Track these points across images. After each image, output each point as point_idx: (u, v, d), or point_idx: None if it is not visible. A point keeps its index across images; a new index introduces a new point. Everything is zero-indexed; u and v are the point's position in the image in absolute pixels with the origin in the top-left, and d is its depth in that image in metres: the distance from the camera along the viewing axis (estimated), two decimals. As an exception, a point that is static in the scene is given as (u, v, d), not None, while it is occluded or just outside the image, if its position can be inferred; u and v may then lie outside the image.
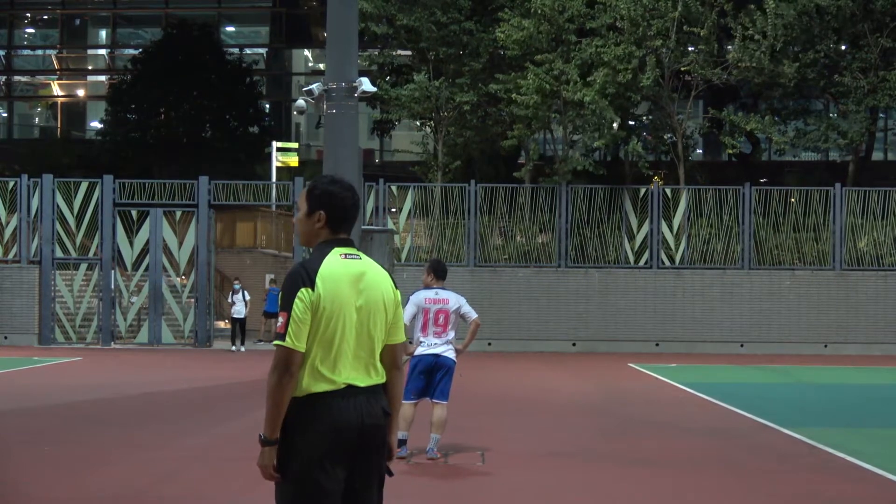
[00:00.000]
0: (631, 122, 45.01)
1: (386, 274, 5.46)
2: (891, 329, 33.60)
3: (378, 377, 5.34)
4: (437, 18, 40.07)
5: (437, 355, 12.64)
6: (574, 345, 33.22)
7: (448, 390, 12.80)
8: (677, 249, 34.87)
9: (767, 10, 38.17)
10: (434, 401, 12.74)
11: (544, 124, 39.27)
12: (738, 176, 41.95)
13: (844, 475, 12.21)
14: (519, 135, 38.25)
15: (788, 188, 36.85)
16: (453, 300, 12.78)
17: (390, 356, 5.44)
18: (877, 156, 55.99)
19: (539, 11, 36.93)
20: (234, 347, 32.60)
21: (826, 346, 33.14)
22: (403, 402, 12.31)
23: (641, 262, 34.80)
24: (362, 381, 5.25)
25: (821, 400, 20.71)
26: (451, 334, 12.73)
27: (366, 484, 5.28)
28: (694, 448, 14.20)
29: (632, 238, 35.03)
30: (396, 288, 5.52)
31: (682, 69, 39.11)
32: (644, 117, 43.73)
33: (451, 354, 12.69)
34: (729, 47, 39.26)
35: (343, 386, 5.18)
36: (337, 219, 5.39)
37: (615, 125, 39.78)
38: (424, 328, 12.66)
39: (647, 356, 30.88)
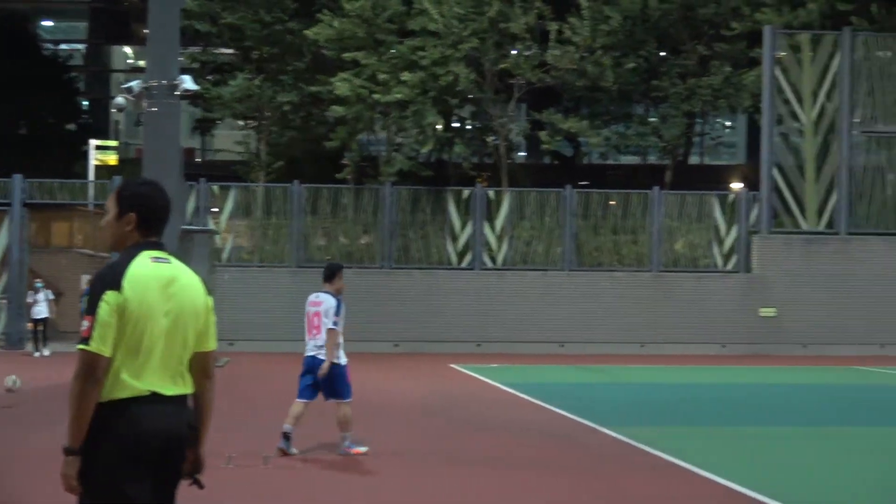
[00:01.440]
0: (455, 125, 45.38)
1: (197, 279, 5.24)
2: (705, 329, 34.52)
3: (185, 387, 5.12)
4: (261, 17, 39.77)
5: (313, 357, 13.11)
6: (397, 345, 33.26)
7: (340, 389, 13.16)
8: (499, 251, 35.24)
9: (584, 14, 38.98)
10: (332, 401, 13.19)
11: (367, 125, 39.34)
12: (560, 178, 42.61)
13: (663, 473, 12.46)
14: (342, 136, 38.25)
15: (608, 191, 37.55)
16: (325, 303, 13.02)
17: (200, 364, 5.20)
18: (694, 160, 57.54)
19: (353, 12, 37.11)
20: (36, 353, 30.57)
21: (643, 345, 33.86)
22: (296, 399, 13.11)
23: (464, 264, 35.06)
24: (168, 390, 5.00)
25: (638, 399, 21.14)
26: (322, 338, 13.03)
27: (168, 495, 5.10)
28: (517, 447, 14.33)
29: (455, 239, 35.27)
30: (210, 294, 5.30)
31: (502, 67, 39.49)
32: (467, 120, 44.12)
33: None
34: (547, 52, 39.85)
35: (147, 393, 4.93)
36: (148, 221, 5.16)
37: (438, 126, 40.11)
38: (307, 330, 13.12)
39: (468, 357, 31.10)
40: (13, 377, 18.61)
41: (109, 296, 4.91)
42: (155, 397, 4.97)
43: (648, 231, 35.64)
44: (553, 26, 39.16)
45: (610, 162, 53.51)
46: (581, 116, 43.32)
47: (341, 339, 13.26)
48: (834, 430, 16.55)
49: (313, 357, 13.12)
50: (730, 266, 35.67)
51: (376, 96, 36.57)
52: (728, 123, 58.83)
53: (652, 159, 53.35)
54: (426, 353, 32.25)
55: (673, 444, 14.32)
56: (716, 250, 35.87)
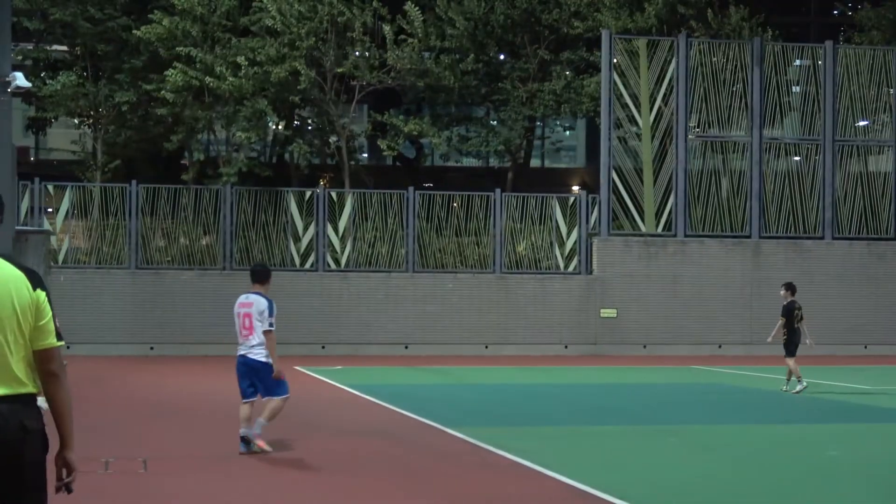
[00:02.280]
0: (296, 124, 45.19)
1: (19, 274, 4.98)
2: (547, 330, 34.98)
3: (14, 387, 4.89)
4: (92, 14, 38.98)
5: (244, 356, 13.40)
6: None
7: (273, 386, 13.48)
8: (342, 252, 35.18)
9: (412, 16, 39.21)
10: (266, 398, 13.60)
11: (205, 125, 38.95)
12: (403, 180, 42.72)
13: (507, 473, 12.57)
14: (183, 137, 37.84)
15: (451, 193, 37.76)
16: (256, 304, 13.25)
17: (39, 363, 5.01)
18: (534, 163, 58.20)
19: (184, 8, 36.77)
20: None
21: (487, 346, 34.15)
22: (242, 402, 13.34)
23: (307, 265, 34.90)
24: None
25: (482, 400, 21.31)
26: (256, 338, 13.21)
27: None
28: (362, 449, 14.31)
29: (298, 241, 35.09)
30: (41, 288, 5.04)
31: (340, 70, 39.44)
32: (309, 120, 43.93)
33: (258, 356, 13.28)
34: (387, 53, 40.00)
35: None
36: None
37: (275, 126, 39.97)
38: (239, 331, 13.43)
39: (313, 359, 30.96)
40: None
41: None
42: None
43: (491, 233, 35.96)
44: (388, 27, 39.21)
45: (452, 164, 53.83)
46: (422, 118, 43.50)
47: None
48: (673, 428, 16.90)
49: (244, 357, 13.37)
50: (571, 268, 36.21)
51: (209, 83, 36.13)
52: (567, 127, 59.66)
53: (493, 162, 53.87)
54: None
55: (517, 443, 14.46)
56: (557, 252, 36.37)
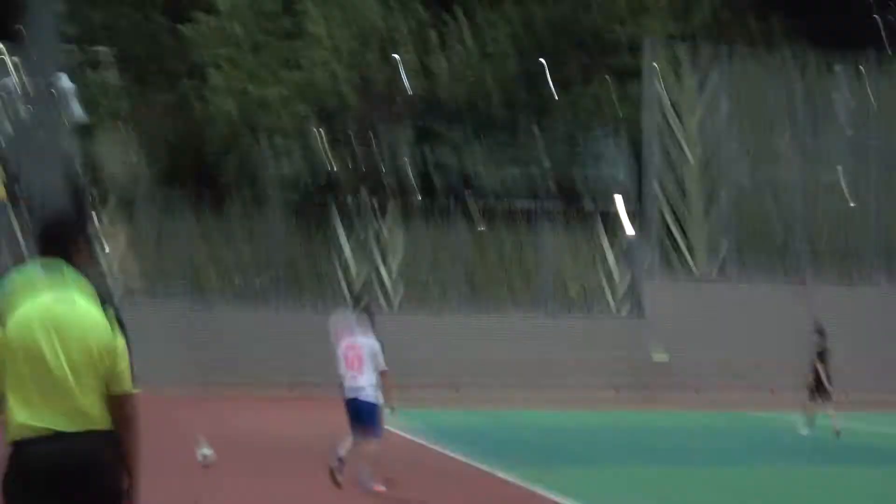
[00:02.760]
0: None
1: (101, 319, 5.19)
2: (599, 371, 34.75)
3: (83, 425, 5.17)
4: (131, 15, 39.13)
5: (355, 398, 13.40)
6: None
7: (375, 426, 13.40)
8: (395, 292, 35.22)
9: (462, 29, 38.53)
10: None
11: (252, 138, 38.91)
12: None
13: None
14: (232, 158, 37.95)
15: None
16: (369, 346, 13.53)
17: (113, 407, 5.25)
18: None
19: (227, 10, 36.85)
20: None
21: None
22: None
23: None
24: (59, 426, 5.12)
25: (528, 441, 21.19)
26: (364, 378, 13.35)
27: None
28: (450, 493, 14.27)
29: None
30: (121, 335, 5.23)
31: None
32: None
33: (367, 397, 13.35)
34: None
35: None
36: None
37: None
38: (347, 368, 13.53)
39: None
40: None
41: None
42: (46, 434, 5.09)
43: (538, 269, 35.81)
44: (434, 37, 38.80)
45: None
46: (471, 148, 43.02)
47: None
48: (729, 471, 16.81)
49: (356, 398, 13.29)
50: (623, 312, 35.97)
51: (250, 87, 36.03)
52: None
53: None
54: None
55: (564, 483, 14.42)
56: (608, 292, 36.14)
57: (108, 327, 5.18)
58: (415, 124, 42.08)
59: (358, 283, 35.07)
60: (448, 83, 39.91)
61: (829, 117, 37.15)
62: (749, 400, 33.32)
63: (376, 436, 13.40)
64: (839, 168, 37.44)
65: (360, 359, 13.24)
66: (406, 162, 53.68)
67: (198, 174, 40.44)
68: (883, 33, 46.67)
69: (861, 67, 37.07)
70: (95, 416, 5.15)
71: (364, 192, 44.55)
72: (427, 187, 48.39)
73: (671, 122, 36.23)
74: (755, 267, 36.36)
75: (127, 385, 5.24)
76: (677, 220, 36.01)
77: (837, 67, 37.60)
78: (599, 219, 53.75)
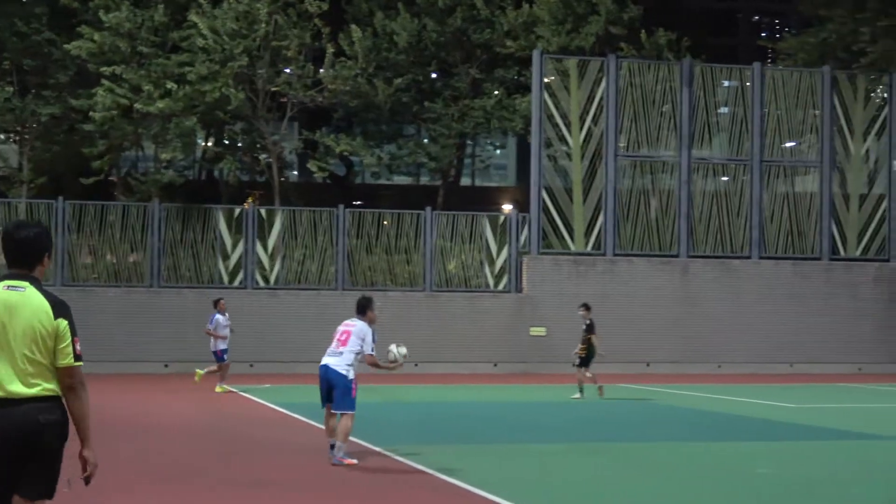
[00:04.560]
0: (225, 141, 44.93)
1: (45, 304, 6.26)
2: (477, 348, 34.99)
3: (31, 390, 6.20)
4: (19, 28, 38.58)
5: (326, 366, 14.53)
6: (167, 366, 32.63)
7: (347, 401, 14.36)
8: (272, 270, 34.99)
9: (356, 37, 39.46)
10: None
11: (133, 142, 38.70)
12: (334, 197, 42.56)
13: (437, 491, 12.53)
14: (110, 158, 37.66)
15: (381, 210, 37.70)
16: (359, 328, 14.65)
17: (60, 378, 6.33)
18: (465, 181, 58.35)
19: (113, 25, 36.59)
20: None
21: (417, 364, 34.02)
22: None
23: (236, 283, 34.67)
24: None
25: (412, 418, 21.25)
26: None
27: (26, 485, 6.28)
28: (288, 468, 14.19)
29: (226, 258, 34.84)
30: (63, 317, 6.29)
31: (275, 89, 39.51)
32: (238, 137, 43.67)
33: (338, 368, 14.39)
34: (321, 70, 40.10)
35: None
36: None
37: (203, 142, 39.85)
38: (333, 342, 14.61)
39: (242, 377, 30.68)
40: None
41: None
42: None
43: (421, 251, 35.93)
44: (329, 47, 39.37)
45: (383, 182, 53.82)
46: (353, 136, 43.52)
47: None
48: (604, 446, 16.95)
49: (326, 366, 14.41)
50: (501, 286, 36.29)
51: (138, 106, 36.01)
52: (499, 146, 59.90)
53: (424, 180, 53.88)
54: (197, 374, 31.68)
55: (447, 462, 14.41)
56: (487, 270, 36.44)
57: (51, 312, 6.25)
58: (303, 136, 42.44)
59: (233, 262, 34.80)
60: (339, 94, 40.06)
61: (712, 125, 37.95)
62: (625, 371, 33.83)
63: (348, 409, 14.23)
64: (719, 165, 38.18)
65: (348, 335, 14.37)
66: (294, 163, 53.76)
67: (82, 185, 39.99)
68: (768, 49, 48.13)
69: (745, 81, 37.91)
70: (39, 384, 6.20)
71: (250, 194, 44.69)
72: (307, 172, 48.46)
73: (559, 122, 36.59)
74: (632, 242, 36.86)
75: (69, 359, 6.27)
76: (555, 201, 36.36)
77: (724, 81, 38.48)
78: (479, 197, 54.29)
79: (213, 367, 27.10)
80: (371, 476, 13.67)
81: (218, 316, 27.20)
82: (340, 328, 14.66)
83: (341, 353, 14.36)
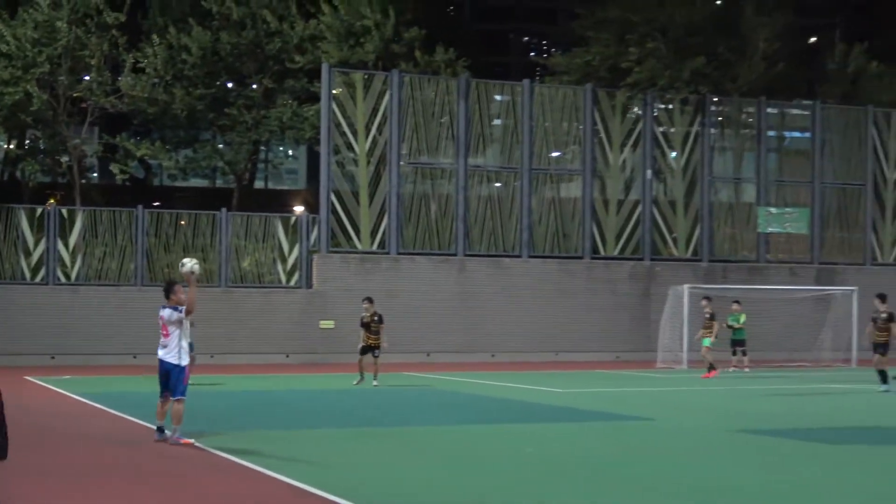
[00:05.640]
0: (28, 143, 43.46)
1: None
2: (270, 340, 34.67)
3: None
4: None
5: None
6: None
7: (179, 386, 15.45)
8: (73, 267, 33.97)
9: (155, 47, 38.81)
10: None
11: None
12: (134, 198, 41.57)
13: (231, 474, 12.33)
14: None
15: (179, 211, 37.02)
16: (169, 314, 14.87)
17: None
18: (259, 184, 57.76)
19: None
20: None
21: (213, 356, 33.47)
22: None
23: (38, 279, 33.53)
24: None
25: (208, 406, 20.87)
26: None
27: None
28: (98, 456, 13.76)
29: (28, 255, 33.66)
30: None
31: (76, 95, 38.48)
32: (41, 140, 42.19)
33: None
34: (121, 79, 39.26)
35: None
36: None
37: (5, 145, 38.49)
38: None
39: (43, 369, 29.71)
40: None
41: None
42: None
43: (217, 249, 35.41)
44: (128, 57, 38.59)
45: (180, 184, 52.84)
46: (152, 140, 42.66)
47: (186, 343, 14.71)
48: (388, 430, 16.96)
49: (161, 359, 14.71)
50: (292, 282, 36.04)
51: None
52: (290, 152, 59.48)
53: (220, 183, 53.09)
54: (2, 367, 30.47)
55: (239, 445, 14.22)
56: (280, 267, 36.16)
57: None
58: (103, 140, 41.45)
59: (35, 259, 33.66)
60: (138, 101, 39.22)
61: (487, 135, 38.49)
62: (407, 360, 34.04)
63: (181, 395, 14.55)
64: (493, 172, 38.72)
65: (164, 327, 14.59)
66: (95, 165, 52.30)
67: None
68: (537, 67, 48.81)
69: (516, 96, 38.57)
70: None
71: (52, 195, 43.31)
72: (108, 174, 47.27)
73: (346, 131, 36.57)
74: (414, 242, 37.10)
75: None
76: (343, 204, 36.33)
77: (497, 96, 39.09)
78: (272, 199, 53.79)
79: None
80: (166, 461, 13.36)
81: None
82: (160, 320, 14.78)
83: (167, 344, 14.59)
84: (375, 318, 25.74)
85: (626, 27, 41.79)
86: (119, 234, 34.66)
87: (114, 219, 34.88)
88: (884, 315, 25.48)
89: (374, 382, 25.45)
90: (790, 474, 12.57)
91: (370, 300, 26.22)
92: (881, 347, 25.44)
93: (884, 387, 24.75)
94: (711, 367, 29.90)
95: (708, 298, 31.16)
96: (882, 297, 25.97)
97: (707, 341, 30.38)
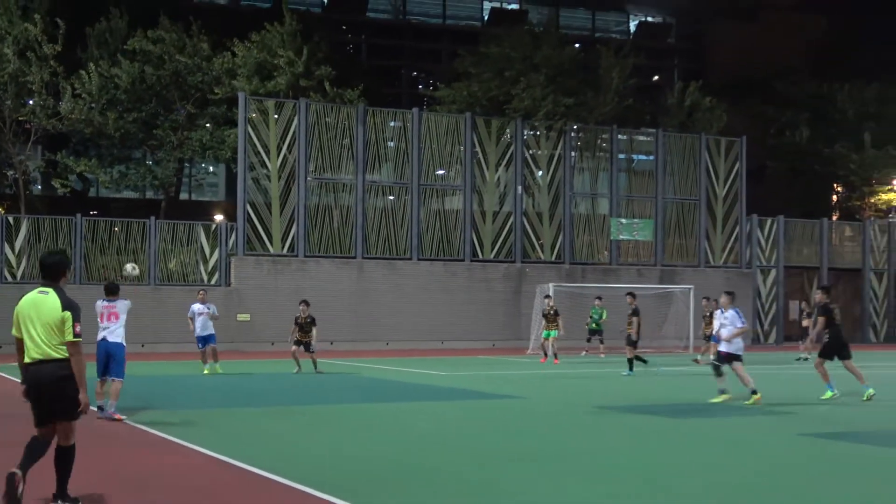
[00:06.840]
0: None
1: (57, 302, 8.12)
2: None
3: (51, 355, 8.06)
4: None
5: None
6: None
7: (118, 368, 14.91)
8: (19, 267, 33.15)
9: (91, 75, 38.17)
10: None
11: None
12: (73, 208, 40.57)
13: (158, 448, 12.12)
14: None
15: (113, 219, 36.27)
16: (118, 305, 15.33)
17: (67, 348, 8.09)
18: (184, 196, 56.84)
19: None
20: None
21: (143, 346, 32.85)
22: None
23: (-14, 279, 32.57)
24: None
25: (139, 389, 20.48)
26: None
27: (48, 419, 8.24)
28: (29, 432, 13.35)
29: (-22, 258, 32.66)
30: (69, 310, 8.07)
31: (21, 118, 37.65)
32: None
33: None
34: (61, 103, 38.43)
35: (29, 360, 8.13)
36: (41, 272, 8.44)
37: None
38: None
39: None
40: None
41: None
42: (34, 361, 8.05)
43: (147, 252, 34.77)
44: (67, 84, 37.85)
45: (114, 195, 51.80)
46: (89, 157, 41.84)
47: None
48: (300, 409, 16.83)
49: (105, 340, 14.69)
50: (213, 281, 35.55)
51: None
52: (211, 168, 58.68)
53: (150, 195, 52.12)
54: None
55: (167, 421, 13.99)
56: (202, 268, 35.66)
57: (60, 307, 8.06)
58: (47, 156, 40.53)
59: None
60: (76, 123, 38.44)
61: (382, 155, 38.40)
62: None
63: (121, 376, 14.54)
64: (390, 196, 38.68)
65: (115, 315, 14.72)
66: (38, 179, 50.95)
67: None
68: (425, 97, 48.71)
69: (408, 122, 38.56)
70: (56, 352, 8.01)
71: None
72: (51, 186, 46.12)
73: (260, 151, 36.23)
74: (319, 246, 36.89)
75: (70, 336, 8.05)
76: (258, 213, 35.99)
77: (391, 122, 39.04)
78: (195, 209, 53.01)
79: None
80: (98, 437, 13.07)
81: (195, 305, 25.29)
82: (100, 309, 14.78)
83: (110, 326, 14.58)
84: (308, 319, 25.05)
85: (506, 63, 42.08)
86: (60, 239, 33.86)
87: (55, 226, 34.06)
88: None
89: (318, 370, 24.89)
90: (635, 443, 12.80)
91: (307, 303, 25.48)
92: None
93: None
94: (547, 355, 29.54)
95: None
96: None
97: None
